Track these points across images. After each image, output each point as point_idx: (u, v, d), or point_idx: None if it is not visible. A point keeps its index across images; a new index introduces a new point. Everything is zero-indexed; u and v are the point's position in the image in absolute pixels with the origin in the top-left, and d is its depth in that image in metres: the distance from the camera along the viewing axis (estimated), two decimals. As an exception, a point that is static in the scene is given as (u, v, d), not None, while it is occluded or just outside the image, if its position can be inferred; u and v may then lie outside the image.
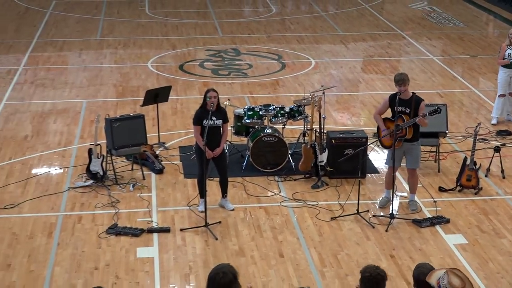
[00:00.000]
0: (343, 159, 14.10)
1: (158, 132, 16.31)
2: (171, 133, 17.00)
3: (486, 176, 14.85)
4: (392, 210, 13.05)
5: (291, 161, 14.99)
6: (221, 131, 13.16)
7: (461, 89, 20.24)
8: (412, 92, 13.08)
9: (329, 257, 12.04)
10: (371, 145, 14.27)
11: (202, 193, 13.19)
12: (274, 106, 15.30)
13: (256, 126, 15.12)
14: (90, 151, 14.38)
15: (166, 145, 16.23)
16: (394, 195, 13.34)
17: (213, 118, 12.92)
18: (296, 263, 11.88)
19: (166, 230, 12.81)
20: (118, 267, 11.77)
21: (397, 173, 13.67)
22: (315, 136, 14.63)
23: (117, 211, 13.47)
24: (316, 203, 13.80)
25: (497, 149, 14.93)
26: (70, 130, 17.26)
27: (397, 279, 11.40)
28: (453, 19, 28.20)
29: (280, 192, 14.24)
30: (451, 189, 14.28)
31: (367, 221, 13.06)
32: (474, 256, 12.11)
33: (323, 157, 14.52)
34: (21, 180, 14.72)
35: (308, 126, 15.07)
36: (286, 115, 15.35)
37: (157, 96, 16.19)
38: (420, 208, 13.57)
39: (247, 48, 24.18)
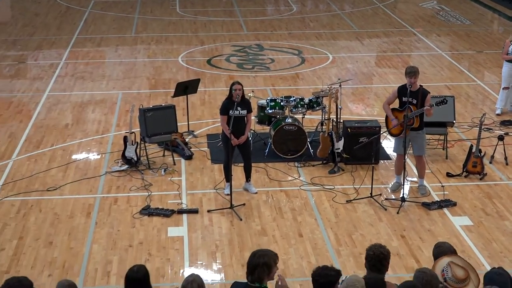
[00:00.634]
0: (358, 147, 14.05)
1: (188, 121, 16.30)
2: (199, 122, 16.99)
3: (490, 162, 14.76)
4: (403, 194, 13.00)
5: (310, 148, 14.95)
6: (246, 121, 13.14)
7: (468, 82, 20.09)
8: (420, 85, 12.99)
9: (345, 237, 12.01)
10: (384, 133, 14.20)
11: (228, 178, 13.18)
12: (294, 98, 15.25)
13: (278, 116, 15.08)
14: (125, 139, 14.40)
15: (195, 133, 16.22)
16: (405, 180, 13.27)
17: (238, 108, 12.90)
18: (314, 242, 11.85)
19: (194, 211, 12.81)
20: (150, 245, 11.79)
21: (407, 160, 13.60)
22: (332, 125, 14.58)
23: (149, 193, 13.48)
24: (333, 187, 13.76)
25: (501, 138, 14.84)
26: (107, 119, 17.29)
27: (407, 257, 11.36)
28: (460, 17, 27.97)
29: (299, 176, 14.21)
30: (458, 175, 14.20)
31: (379, 204, 13.01)
32: (479, 236, 12.04)
33: (340, 145, 14.47)
34: (62, 164, 14.77)
35: (326, 116, 15.02)
36: (305, 105, 15.30)
37: (186, 88, 16.18)
38: (429, 192, 13.50)
39: (270, 44, 24.10)
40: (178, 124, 15.04)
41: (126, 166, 14.44)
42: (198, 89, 16.81)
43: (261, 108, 15.31)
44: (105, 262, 11.31)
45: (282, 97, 15.34)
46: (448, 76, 20.62)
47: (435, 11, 29.25)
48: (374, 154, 13.52)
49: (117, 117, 17.42)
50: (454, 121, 15.28)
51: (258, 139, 15.61)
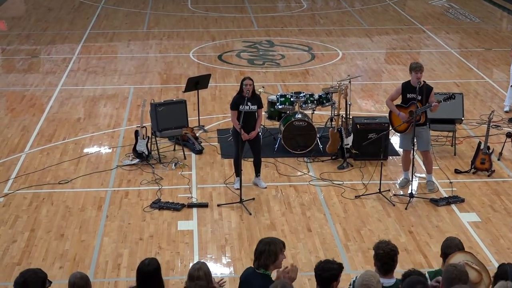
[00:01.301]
0: (367, 143, 14.01)
1: (198, 116, 16.28)
2: (210, 117, 16.97)
3: (498, 159, 14.69)
4: (411, 190, 12.95)
5: (319, 144, 14.91)
6: (256, 116, 13.10)
7: (476, 79, 20.01)
8: (423, 81, 12.91)
9: (353, 232, 11.98)
10: (392, 130, 14.15)
11: (238, 172, 13.17)
12: (304, 93, 15.22)
13: (288, 112, 15.04)
14: (136, 133, 14.38)
15: (206, 128, 16.20)
16: (414, 176, 13.22)
17: (249, 103, 12.86)
18: (323, 237, 11.82)
19: (204, 205, 12.80)
20: (160, 238, 11.78)
21: (416, 156, 13.55)
22: (342, 121, 14.54)
23: (160, 187, 13.47)
24: (342, 182, 13.72)
25: (509, 135, 14.75)
26: (118, 113, 17.28)
27: (415, 253, 11.32)
28: (469, 15, 27.85)
29: (308, 172, 14.17)
30: (466, 171, 14.15)
31: (388, 200, 12.97)
32: (487, 233, 11.99)
33: (349, 141, 14.42)
34: (74, 158, 14.78)
35: (335, 112, 14.98)
36: (315, 101, 15.26)
37: (197, 83, 16.16)
38: (437, 188, 13.45)
39: (280, 40, 24.05)
40: (189, 119, 15.03)
41: (137, 160, 14.43)
42: (209, 85, 16.78)
43: (271, 103, 15.28)
44: (116, 255, 11.31)
45: (292, 93, 15.31)
46: (457, 73, 20.54)
47: (444, 8, 29.14)
48: (383, 150, 13.48)
49: (129, 111, 17.41)
50: (463, 118, 15.22)
51: (268, 135, 15.57)
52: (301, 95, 15.14)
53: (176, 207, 12.67)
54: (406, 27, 25.87)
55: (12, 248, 11.49)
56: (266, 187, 13.50)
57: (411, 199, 12.86)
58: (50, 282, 7.44)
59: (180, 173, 14.11)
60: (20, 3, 30.15)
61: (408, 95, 12.84)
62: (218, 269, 10.93)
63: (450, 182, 13.67)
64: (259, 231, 11.96)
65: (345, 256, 11.21)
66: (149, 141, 14.45)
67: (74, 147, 15.32)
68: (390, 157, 14.76)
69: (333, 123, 15.27)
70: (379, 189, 13.14)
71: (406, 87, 12.90)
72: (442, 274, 7.17)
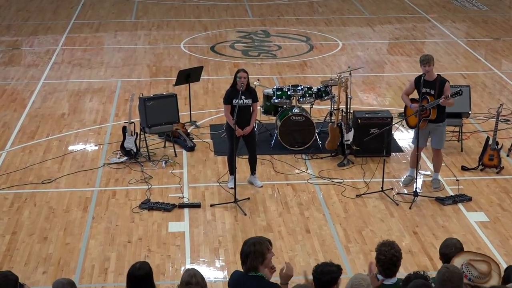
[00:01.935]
0: (368, 138, 14.03)
1: (190, 111, 16.28)
2: (202, 112, 16.97)
3: (507, 155, 14.72)
4: (415, 188, 12.97)
5: (318, 140, 14.92)
6: (251, 110, 13.10)
7: (484, 70, 20.04)
8: (437, 74, 12.95)
9: (354, 233, 11.99)
10: (395, 124, 14.16)
11: (232, 170, 13.17)
12: (302, 87, 15.23)
13: (285, 106, 15.05)
14: (124, 129, 14.38)
15: (198, 124, 16.21)
16: (418, 173, 13.23)
17: (243, 97, 12.86)
18: (322, 238, 11.84)
19: (196, 206, 12.80)
20: (150, 241, 11.78)
21: (421, 153, 13.57)
22: (342, 115, 14.55)
23: (149, 186, 13.48)
24: (342, 180, 13.73)
25: (519, 130, 14.80)
26: (105, 109, 17.28)
27: (420, 255, 11.34)
28: (477, 3, 27.87)
29: (307, 169, 14.18)
30: (474, 168, 14.17)
31: (391, 199, 12.99)
32: (495, 233, 12.01)
33: (349, 136, 14.43)
34: (58, 156, 14.77)
35: (335, 106, 15.00)
36: (313, 95, 15.28)
37: (189, 76, 16.16)
38: (443, 186, 13.47)
39: (277, 30, 24.06)
40: (180, 114, 15.02)
41: (125, 158, 14.43)
42: (201, 77, 16.78)
43: (267, 97, 15.28)
44: (103, 259, 11.30)
45: (289, 86, 15.32)
46: (464, 64, 20.56)
47: (450, -4, 29.17)
48: (385, 146, 13.46)
49: (116, 106, 17.41)
50: (470, 112, 15.24)
51: (264, 130, 15.58)
52: (299, 88, 15.15)
53: (166, 207, 12.67)
54: (410, 16, 25.89)
55: (-7, 252, 11.51)
56: (262, 186, 13.51)
57: (416, 198, 12.87)
58: (22, 285, 7.44)
59: (170, 171, 14.11)
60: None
61: (421, 89, 12.85)
62: (211, 273, 10.94)
63: (457, 180, 13.68)
64: (255, 232, 11.96)
65: (346, 259, 11.22)
66: (138, 137, 14.45)
67: (58, 145, 15.31)
68: (393, 154, 14.78)
69: (332, 117, 15.28)
70: (382, 188, 13.15)
71: (418, 82, 12.90)
72: (436, 276, 7.20)
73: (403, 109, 13.86)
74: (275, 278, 7.71)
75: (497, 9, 27.05)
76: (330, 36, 23.25)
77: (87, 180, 13.82)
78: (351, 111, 14.88)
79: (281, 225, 12.25)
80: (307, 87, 15.28)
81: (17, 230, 12.10)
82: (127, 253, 11.45)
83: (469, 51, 21.68)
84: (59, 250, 11.53)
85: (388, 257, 7.51)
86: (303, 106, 15.23)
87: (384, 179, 13.18)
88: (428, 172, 13.87)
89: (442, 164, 13.74)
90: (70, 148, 15.17)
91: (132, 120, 14.45)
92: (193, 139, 15.30)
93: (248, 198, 13.04)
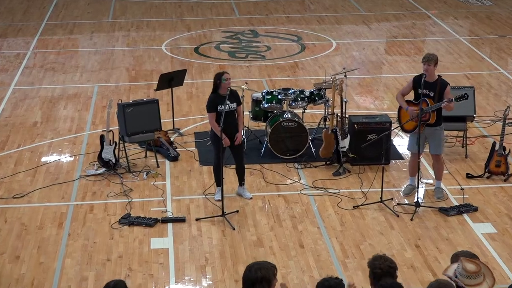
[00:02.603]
0: (366, 145, 14.03)
1: (173, 118, 16.29)
2: (186, 118, 16.98)
3: (516, 161, 14.77)
4: (417, 198, 12.98)
5: (312, 147, 14.93)
6: (236, 115, 13.09)
7: (489, 70, 20.11)
8: (438, 75, 12.97)
9: (352, 248, 11.99)
10: (395, 130, 14.19)
11: (219, 181, 13.16)
12: (293, 90, 15.24)
13: (275, 111, 15.06)
14: (102, 138, 14.37)
15: (181, 131, 16.21)
16: (420, 182, 13.24)
17: (228, 102, 12.85)
18: (317, 253, 11.83)
19: (181, 220, 12.79)
20: (131, 259, 11.76)
21: (422, 159, 13.58)
22: (337, 121, 14.57)
23: (130, 200, 13.46)
24: (338, 191, 13.74)
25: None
26: (81, 116, 17.26)
27: (423, 270, 11.34)
28: (480, -2, 28.04)
29: (300, 179, 14.19)
30: (479, 176, 14.19)
31: (391, 210, 13.00)
32: (504, 246, 12.02)
33: (345, 143, 14.45)
34: (31, 168, 14.74)
35: (329, 111, 15.01)
36: (306, 99, 15.28)
37: (171, 80, 16.16)
38: (446, 196, 13.49)
39: (265, 29, 24.11)
40: (162, 121, 15.02)
41: (103, 169, 14.41)
42: (185, 81, 16.80)
43: (256, 102, 15.29)
44: (80, 279, 11.27)
45: (279, 89, 15.31)
46: (467, 64, 20.63)
47: (451, -10, 29.31)
48: (384, 153, 13.48)
49: (93, 113, 17.40)
50: (475, 115, 15.27)
51: (253, 138, 15.59)
52: (290, 91, 15.16)
53: (148, 222, 12.65)
54: (409, 13, 25.98)
55: (-40, 273, 11.46)
56: (251, 198, 13.51)
57: (417, 208, 12.88)
58: None
59: (152, 183, 14.10)
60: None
61: (419, 91, 12.86)
62: (197, 293, 10.94)
63: (462, 189, 13.71)
64: (244, 248, 11.95)
65: (343, 275, 11.20)
66: (117, 147, 14.43)
67: (30, 156, 15.28)
68: (393, 161, 14.80)
69: (327, 123, 15.29)
70: (381, 198, 13.16)
71: (418, 82, 12.91)
72: None
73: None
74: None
75: (502, 4, 27.17)
76: (323, 35, 23.31)
77: (62, 194, 13.79)
78: (347, 115, 14.89)
79: (272, 239, 12.24)
80: (299, 91, 15.29)
81: (-13, 249, 12.08)
82: (107, 272, 11.41)
83: (472, 50, 21.77)
84: (33, 270, 11.48)
85: (384, 269, 7.54)
86: (295, 111, 15.24)
87: (383, 189, 13.19)
88: (430, 181, 13.90)
89: (445, 171, 13.77)
90: (44, 159, 15.15)
91: (110, 129, 14.43)
92: (176, 148, 15.29)
93: (237, 211, 13.03)
